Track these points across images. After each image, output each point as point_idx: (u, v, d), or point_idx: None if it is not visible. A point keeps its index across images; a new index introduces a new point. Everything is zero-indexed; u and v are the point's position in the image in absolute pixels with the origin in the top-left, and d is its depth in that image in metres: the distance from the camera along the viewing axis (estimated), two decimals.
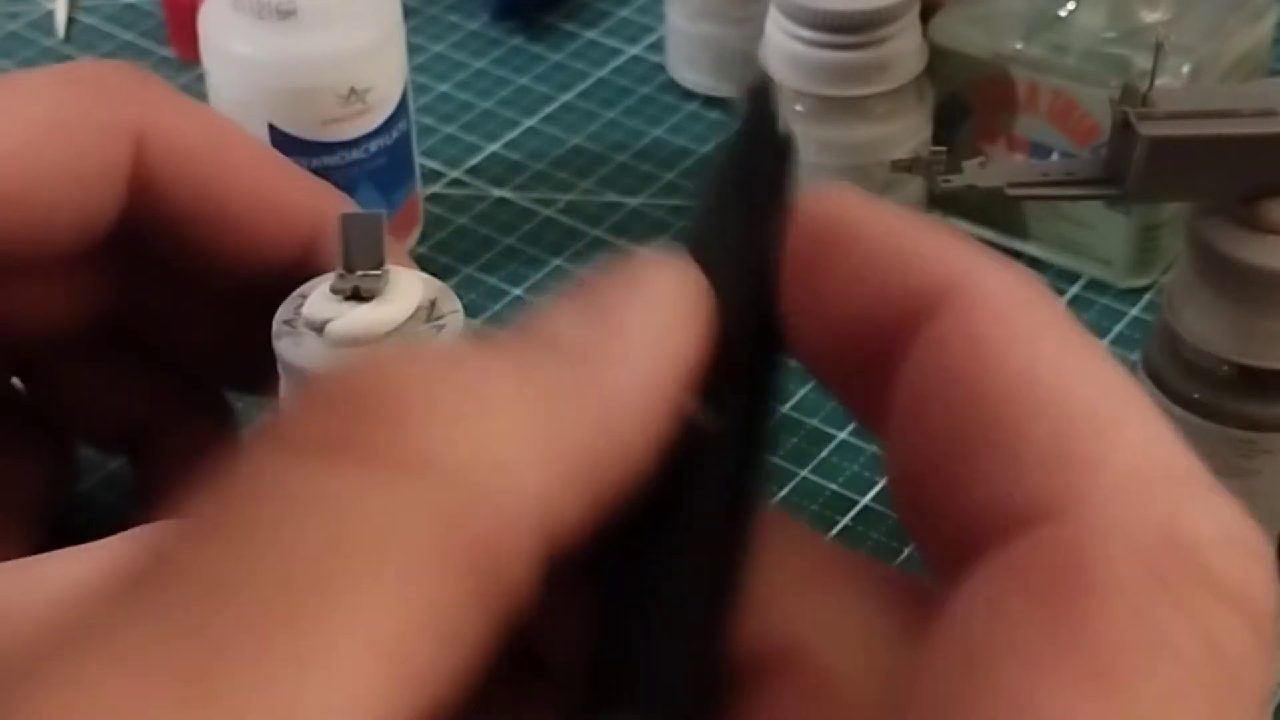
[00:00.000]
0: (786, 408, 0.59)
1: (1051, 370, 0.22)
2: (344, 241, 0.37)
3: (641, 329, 0.22)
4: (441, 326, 0.39)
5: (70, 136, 0.41)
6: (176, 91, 0.44)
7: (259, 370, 0.42)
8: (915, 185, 0.63)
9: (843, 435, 0.58)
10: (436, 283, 0.40)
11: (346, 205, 0.45)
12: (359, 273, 0.37)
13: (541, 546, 0.20)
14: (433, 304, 0.39)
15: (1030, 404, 0.22)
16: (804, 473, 0.57)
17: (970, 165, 0.52)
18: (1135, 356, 0.54)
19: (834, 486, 0.57)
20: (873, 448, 0.58)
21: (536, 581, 0.20)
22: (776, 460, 0.57)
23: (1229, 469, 0.51)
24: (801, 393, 0.60)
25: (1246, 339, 0.49)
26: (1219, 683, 0.20)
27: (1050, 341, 0.23)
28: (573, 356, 0.22)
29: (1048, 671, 0.20)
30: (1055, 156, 0.62)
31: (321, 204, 0.44)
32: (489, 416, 0.20)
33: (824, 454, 0.58)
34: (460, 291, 0.64)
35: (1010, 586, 0.21)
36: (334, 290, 0.38)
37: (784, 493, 0.56)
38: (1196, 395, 0.51)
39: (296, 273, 0.43)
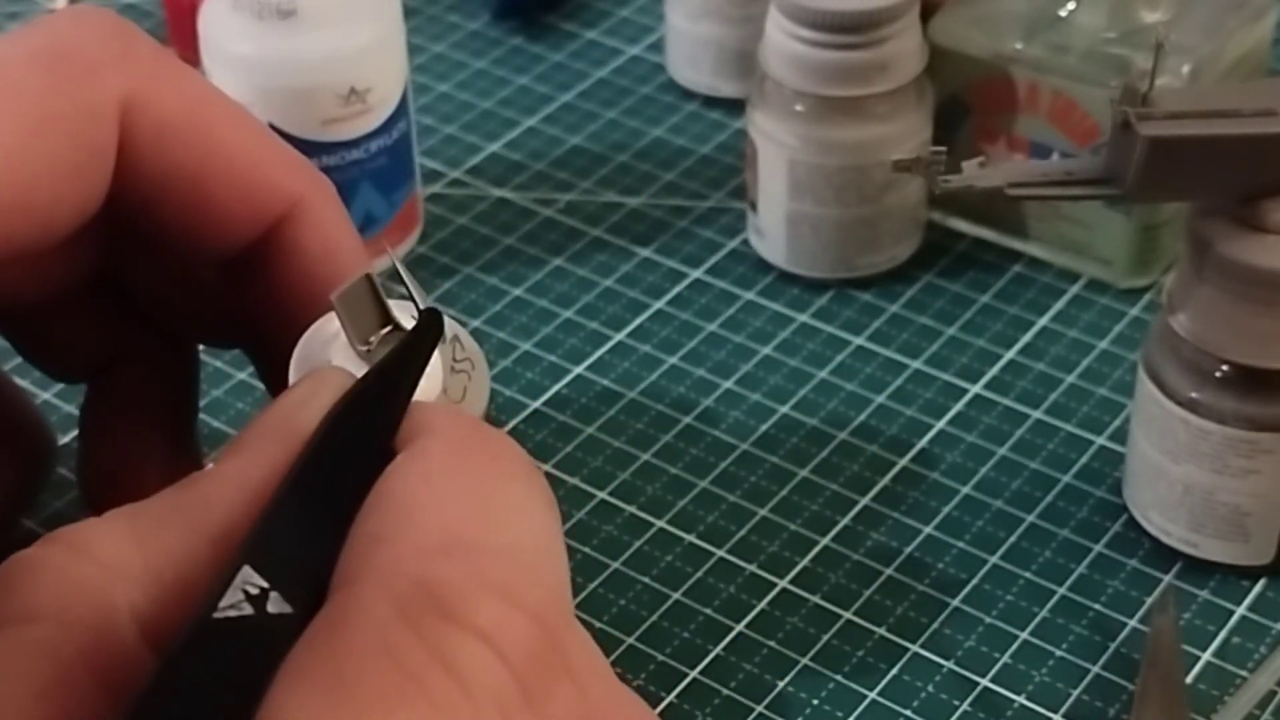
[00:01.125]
0: (786, 408, 0.59)
1: (403, 486, 0.30)
2: (344, 321, 0.36)
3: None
4: (463, 371, 0.39)
5: (62, 128, 0.40)
6: (159, 50, 0.43)
7: (226, 327, 0.46)
8: (915, 185, 0.63)
9: (843, 435, 0.58)
10: (453, 324, 0.40)
11: (323, 184, 0.44)
12: (373, 339, 0.37)
13: (139, 623, 0.29)
14: (454, 340, 0.39)
15: (371, 508, 0.30)
16: (804, 473, 0.57)
17: (970, 165, 0.52)
18: (1135, 356, 0.54)
19: (834, 486, 0.57)
20: (873, 448, 0.58)
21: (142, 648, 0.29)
22: (777, 461, 0.57)
23: (1229, 469, 0.51)
24: (801, 393, 0.60)
25: (1246, 339, 0.49)
26: (446, 689, 0.26)
27: (418, 464, 0.31)
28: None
29: (299, 678, 0.26)
30: (1055, 156, 0.62)
31: (296, 183, 0.44)
32: (81, 566, 0.30)
33: (824, 454, 0.58)
34: (460, 291, 0.65)
35: (305, 638, 0.27)
36: (359, 355, 0.38)
37: (784, 492, 0.56)
38: (1196, 395, 0.51)
39: (263, 248, 0.43)
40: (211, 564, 0.30)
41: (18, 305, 0.46)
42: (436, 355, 0.37)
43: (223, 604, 0.28)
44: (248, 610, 0.28)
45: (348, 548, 0.29)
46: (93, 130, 0.41)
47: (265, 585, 0.28)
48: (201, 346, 0.52)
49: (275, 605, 0.28)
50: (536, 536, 0.31)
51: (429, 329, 0.36)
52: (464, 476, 0.31)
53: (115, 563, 0.30)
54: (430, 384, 0.36)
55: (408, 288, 0.37)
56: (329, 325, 0.38)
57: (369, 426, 0.33)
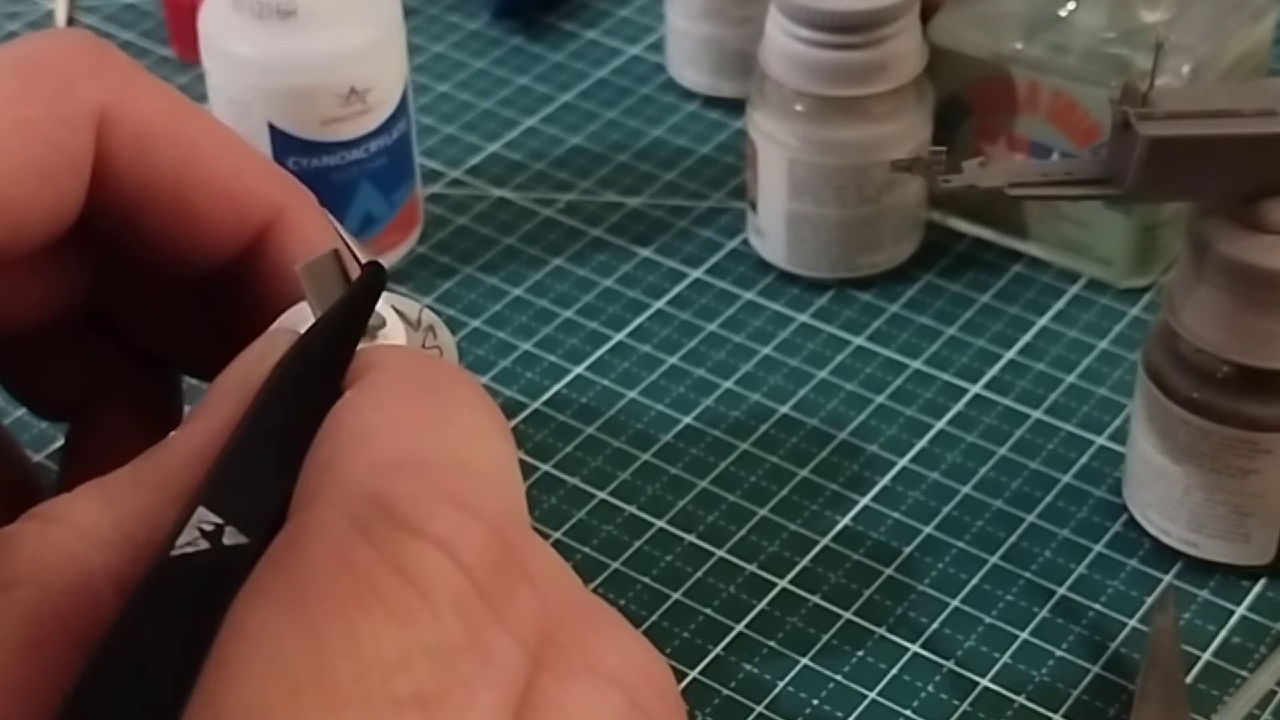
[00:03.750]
0: (786, 408, 0.59)
1: (355, 413, 0.31)
2: (309, 292, 0.37)
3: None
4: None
5: (36, 132, 0.41)
6: (136, 66, 0.44)
7: (207, 355, 0.44)
8: (915, 185, 0.63)
9: (843, 435, 0.58)
10: (429, 314, 0.40)
11: (305, 194, 0.44)
12: None
13: (117, 576, 0.30)
14: (428, 330, 0.39)
15: (322, 438, 0.31)
16: (804, 473, 0.57)
17: (970, 165, 0.52)
18: (1135, 356, 0.54)
19: (834, 486, 0.57)
20: (873, 448, 0.58)
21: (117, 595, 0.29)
22: (777, 461, 0.57)
23: (1229, 469, 0.51)
24: (801, 393, 0.60)
25: (1246, 339, 0.49)
26: (402, 595, 0.27)
27: (369, 394, 0.32)
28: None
29: (258, 596, 0.27)
30: (1055, 156, 0.62)
31: (278, 193, 0.44)
32: (57, 534, 0.30)
33: (824, 454, 0.58)
34: (460, 291, 0.65)
35: (263, 559, 0.28)
36: None
37: (784, 492, 0.56)
38: (1196, 395, 0.51)
39: (248, 261, 0.43)
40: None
41: (4, 335, 0.46)
42: (406, 335, 0.37)
43: (179, 542, 0.29)
44: (204, 545, 0.29)
45: (302, 476, 0.30)
46: (67, 137, 0.41)
47: (220, 521, 0.29)
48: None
49: (231, 538, 0.29)
50: (492, 455, 0.31)
51: (372, 279, 0.37)
52: (415, 401, 0.31)
53: (90, 529, 0.31)
54: None
55: (345, 242, 0.37)
56: (298, 313, 0.38)
57: (318, 369, 0.34)
